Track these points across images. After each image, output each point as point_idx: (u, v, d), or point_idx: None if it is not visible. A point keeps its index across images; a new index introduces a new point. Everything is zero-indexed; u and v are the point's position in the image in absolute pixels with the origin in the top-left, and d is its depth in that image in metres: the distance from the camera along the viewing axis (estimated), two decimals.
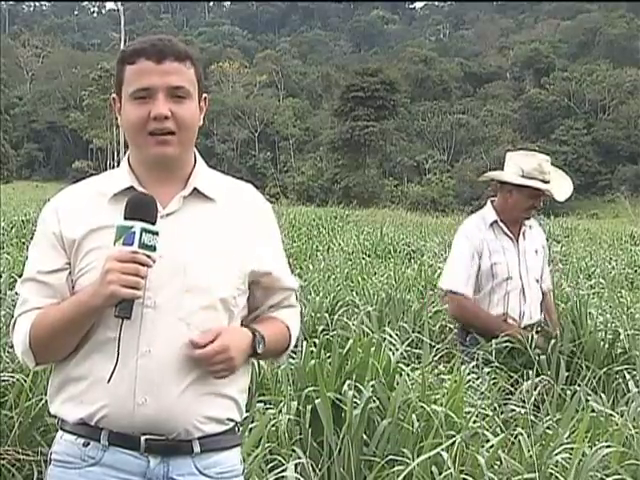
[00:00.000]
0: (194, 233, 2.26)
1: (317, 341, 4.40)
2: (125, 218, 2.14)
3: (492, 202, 5.34)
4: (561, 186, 5.29)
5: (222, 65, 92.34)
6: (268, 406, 3.89)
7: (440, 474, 3.34)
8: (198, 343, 2.18)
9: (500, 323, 5.11)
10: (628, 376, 4.70)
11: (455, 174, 75.11)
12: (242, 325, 2.34)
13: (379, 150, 73.38)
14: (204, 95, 2.35)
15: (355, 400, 3.67)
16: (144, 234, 2.12)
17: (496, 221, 5.24)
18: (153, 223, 2.15)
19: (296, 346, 3.70)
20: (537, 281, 5.31)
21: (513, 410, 4.20)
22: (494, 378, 4.65)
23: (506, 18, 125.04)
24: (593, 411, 4.08)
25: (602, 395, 4.46)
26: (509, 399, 4.40)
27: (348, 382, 3.77)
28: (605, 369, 4.96)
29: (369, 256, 13.70)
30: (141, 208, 2.16)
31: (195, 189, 2.30)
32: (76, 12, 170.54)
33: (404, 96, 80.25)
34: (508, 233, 5.25)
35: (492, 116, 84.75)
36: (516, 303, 5.21)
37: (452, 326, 6.02)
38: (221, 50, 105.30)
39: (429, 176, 73.84)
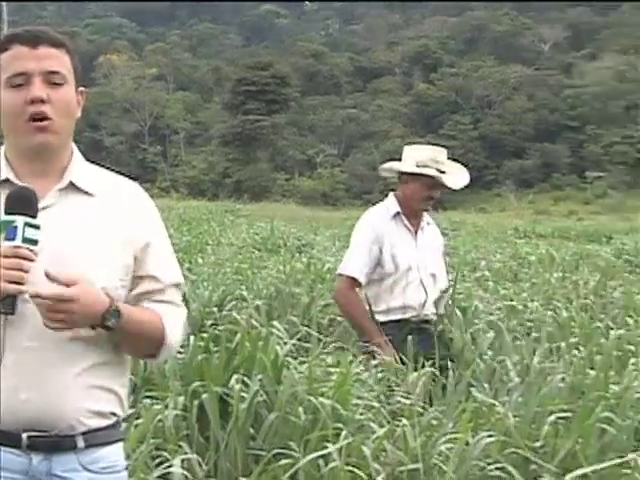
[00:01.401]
0: (71, 226, 2.23)
1: (205, 335, 4.38)
2: (6, 213, 2.11)
3: (395, 194, 5.43)
4: (456, 176, 5.41)
5: (110, 57, 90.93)
6: (155, 402, 3.85)
7: (326, 465, 3.37)
8: (50, 274, 2.09)
9: (376, 331, 5.13)
10: (510, 366, 4.80)
11: (346, 168, 75.58)
12: None
13: (270, 144, 73.37)
14: (81, 88, 2.32)
15: (242, 394, 3.67)
16: (27, 228, 2.08)
17: (399, 213, 5.34)
18: (34, 217, 2.12)
19: (182, 341, 3.69)
20: (433, 276, 5.41)
21: (399, 402, 4.25)
22: (382, 371, 4.70)
23: (394, 14, 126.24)
24: (477, 401, 4.16)
25: (485, 385, 4.55)
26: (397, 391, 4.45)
27: (236, 376, 3.77)
28: (488, 359, 5.07)
29: (259, 250, 13.71)
30: (22, 202, 2.12)
31: (71, 182, 2.27)
32: None
33: (295, 90, 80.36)
34: (408, 226, 5.36)
35: (382, 111, 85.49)
36: (416, 294, 5.29)
37: (341, 319, 6.07)
38: (109, 42, 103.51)
39: (320, 170, 74.18)
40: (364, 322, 5.19)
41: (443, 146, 5.66)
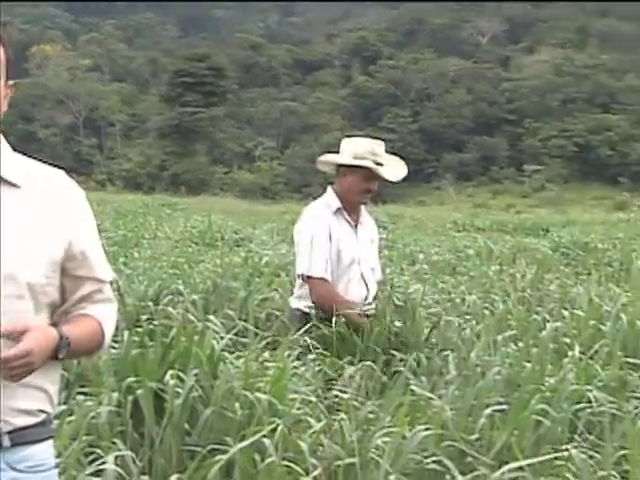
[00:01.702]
0: None
1: (140, 330, 4.34)
2: None
3: (333, 188, 5.43)
4: (393, 168, 5.42)
5: (43, 47, 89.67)
6: (88, 398, 3.82)
7: (263, 461, 3.37)
8: (8, 332, 2.08)
9: (359, 318, 5.14)
10: (450, 358, 4.84)
11: (285, 161, 75.63)
12: (52, 320, 2.27)
13: (208, 137, 73.11)
14: (10, 82, 2.28)
15: (178, 390, 3.66)
16: None
17: (339, 208, 5.35)
18: None
19: (117, 336, 3.66)
20: (373, 270, 5.44)
21: (337, 396, 4.26)
22: (319, 364, 4.71)
23: (334, 7, 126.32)
24: (415, 395, 4.19)
25: (423, 378, 4.58)
26: (335, 385, 4.47)
27: (171, 372, 3.74)
28: (427, 352, 5.11)
29: (197, 244, 13.65)
30: None
31: None
32: None
33: (233, 82, 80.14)
34: (349, 220, 5.38)
35: (321, 103, 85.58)
36: (358, 289, 5.32)
37: (279, 313, 6.07)
38: (42, 32, 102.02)
39: (259, 163, 74.15)
40: (354, 317, 5.16)
41: (382, 139, 5.67)
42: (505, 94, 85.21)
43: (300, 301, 5.38)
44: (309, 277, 5.27)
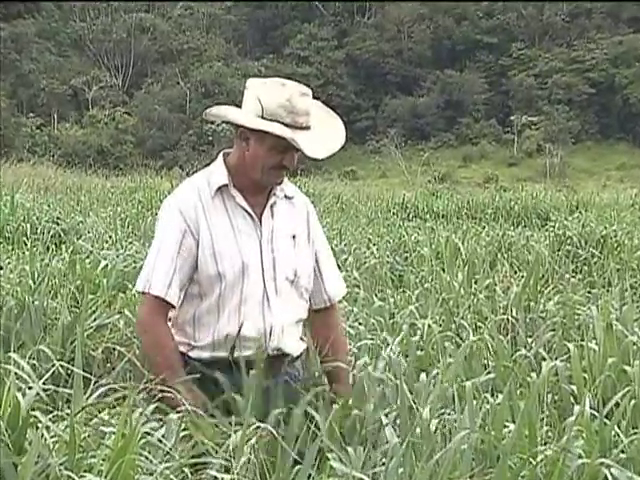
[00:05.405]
0: None
1: None
2: None
3: (226, 156, 5.36)
4: (323, 135, 5.30)
5: None
6: None
7: None
8: None
9: (183, 386, 5.03)
10: (385, 420, 4.88)
11: (135, 108, 75.32)
12: None
13: (11, 68, 72.49)
14: None
15: None
16: None
17: (226, 186, 5.25)
18: None
19: None
20: (292, 283, 5.37)
21: (215, 478, 4.28)
22: (186, 428, 4.72)
23: None
24: (337, 474, 4.22)
25: (349, 449, 4.61)
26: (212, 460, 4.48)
27: None
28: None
29: None
30: None
31: None
32: None
33: None
34: (245, 206, 5.26)
35: (191, 17, 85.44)
36: (258, 316, 5.21)
37: (123, 349, 6.07)
38: None
39: (94, 112, 73.74)
40: (165, 363, 5.10)
41: (289, 77, 5.61)
42: (482, 4, 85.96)
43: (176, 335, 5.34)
44: (142, 292, 5.23)
